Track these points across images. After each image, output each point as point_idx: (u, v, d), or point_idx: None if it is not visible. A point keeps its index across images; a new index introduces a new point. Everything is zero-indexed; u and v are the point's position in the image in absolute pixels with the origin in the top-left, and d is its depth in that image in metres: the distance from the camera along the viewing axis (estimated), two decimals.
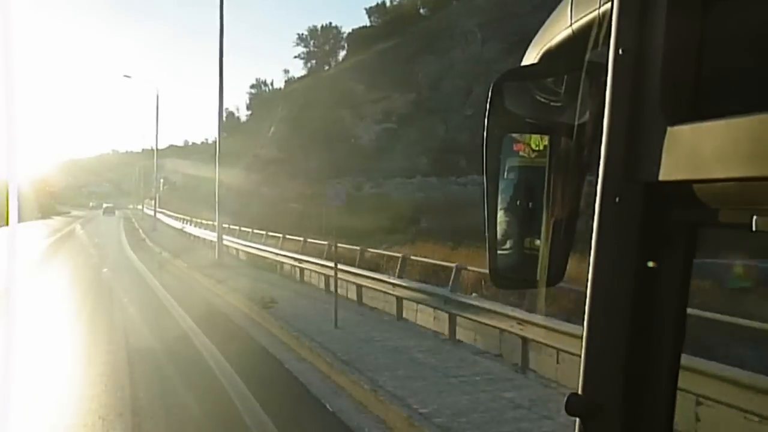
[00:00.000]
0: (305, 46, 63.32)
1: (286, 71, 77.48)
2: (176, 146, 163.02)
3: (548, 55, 0.95)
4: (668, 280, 0.63)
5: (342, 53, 60.09)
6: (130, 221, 59.69)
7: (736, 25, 0.57)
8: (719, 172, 0.53)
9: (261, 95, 75.72)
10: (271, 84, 76.29)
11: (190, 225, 38.29)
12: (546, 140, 0.94)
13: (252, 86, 76.49)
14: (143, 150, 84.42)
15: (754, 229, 0.54)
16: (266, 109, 62.46)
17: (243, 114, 79.41)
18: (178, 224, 42.87)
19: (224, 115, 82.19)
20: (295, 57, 64.64)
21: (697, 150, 0.55)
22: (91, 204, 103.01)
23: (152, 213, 61.74)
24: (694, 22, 0.57)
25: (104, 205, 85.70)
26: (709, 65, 0.58)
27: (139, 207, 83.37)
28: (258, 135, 56.59)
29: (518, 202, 0.98)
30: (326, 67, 60.79)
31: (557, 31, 0.90)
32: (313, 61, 63.24)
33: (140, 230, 42.49)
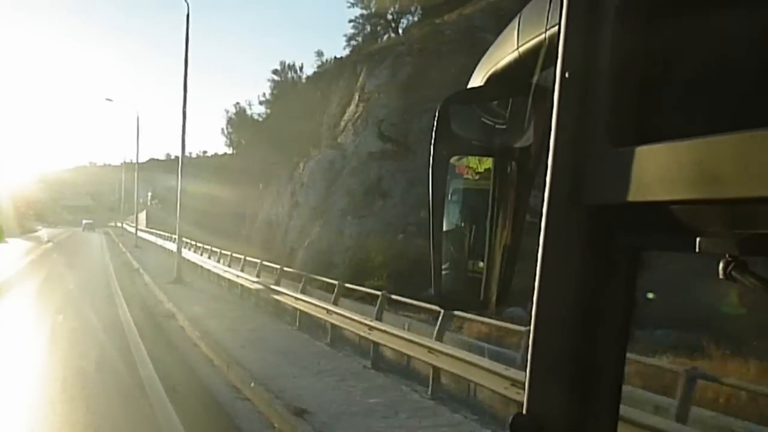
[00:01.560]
0: (364, 8, 43.92)
1: (319, 53, 59.79)
2: (158, 160, 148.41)
3: (495, 78, 0.93)
4: (612, 303, 0.63)
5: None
6: (119, 251, 38.53)
7: (680, 51, 0.57)
8: (663, 195, 0.54)
9: (286, 82, 55.80)
10: (301, 68, 56.51)
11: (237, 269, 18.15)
12: (491, 163, 0.93)
13: (275, 72, 56.72)
14: (122, 163, 74.37)
15: (698, 251, 0.55)
16: (297, 99, 43.28)
17: (257, 110, 60.48)
18: (218, 266, 22.17)
19: (233, 111, 62.55)
20: (350, 21, 45.60)
21: (642, 173, 0.55)
22: (51, 219, 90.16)
23: (150, 236, 41.87)
24: (638, 47, 0.58)
25: (84, 222, 77.05)
26: (653, 90, 0.58)
27: (127, 226, 63.08)
28: (285, 130, 37.56)
29: (463, 225, 0.98)
30: (390, 35, 41.37)
31: (504, 53, 0.89)
32: (359, 38, 45.44)
33: (149, 281, 21.62)
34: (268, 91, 59.29)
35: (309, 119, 38.36)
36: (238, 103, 65.06)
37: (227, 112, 64.65)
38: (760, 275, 0.53)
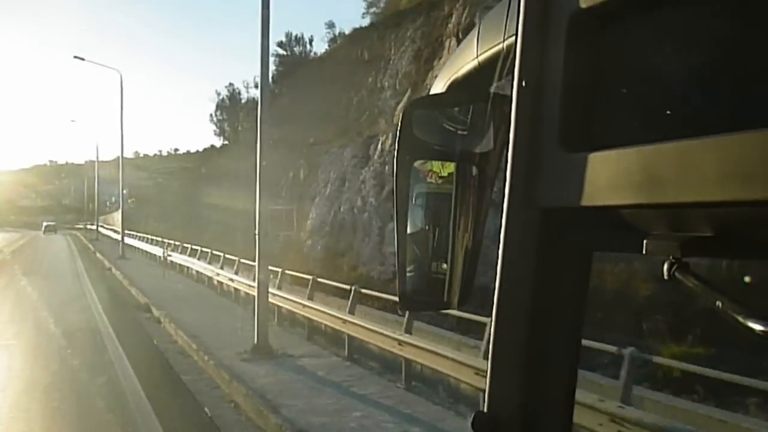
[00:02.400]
0: None
1: (330, 24, 55.78)
2: (126, 158, 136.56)
3: (455, 85, 0.96)
4: (565, 302, 0.66)
5: None
6: (100, 265, 27.72)
7: (630, 62, 0.59)
8: (613, 199, 0.56)
9: (293, 56, 46.63)
10: (310, 41, 47.41)
11: None
12: (452, 167, 0.94)
13: (281, 44, 47.41)
14: (86, 162, 68.55)
15: (644, 252, 0.57)
16: (321, 69, 36.02)
17: (253, 93, 53.90)
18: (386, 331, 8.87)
19: (225, 94, 51.74)
20: None
21: (593, 178, 0.57)
22: (3, 221, 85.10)
23: (133, 241, 31.48)
24: (590, 58, 0.60)
25: (44, 224, 70.99)
26: (604, 98, 0.60)
27: (102, 228, 52.59)
28: (311, 105, 30.97)
29: (426, 227, 0.99)
30: None
31: (464, 62, 0.92)
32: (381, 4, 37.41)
33: (191, 349, 10.65)
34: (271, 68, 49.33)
35: (350, 87, 28.54)
36: (231, 84, 54.48)
37: (218, 94, 53.91)
38: (701, 276, 0.54)
